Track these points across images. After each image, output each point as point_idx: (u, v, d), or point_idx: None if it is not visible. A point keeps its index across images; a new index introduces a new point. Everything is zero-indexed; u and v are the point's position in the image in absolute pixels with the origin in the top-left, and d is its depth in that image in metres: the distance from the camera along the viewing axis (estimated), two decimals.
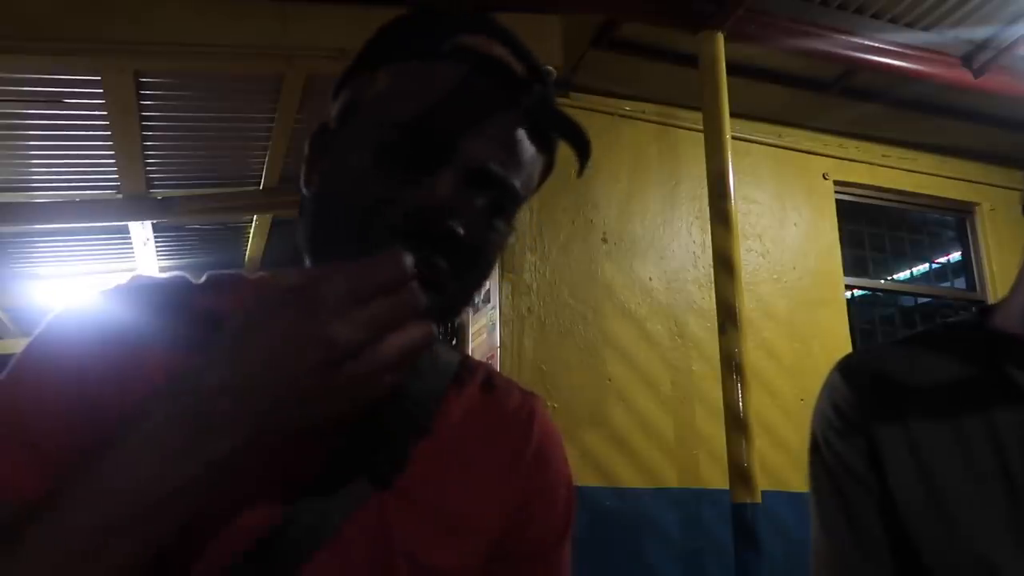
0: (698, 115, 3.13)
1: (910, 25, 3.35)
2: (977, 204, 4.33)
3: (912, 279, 4.44)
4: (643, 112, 3.71)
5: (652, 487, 3.17)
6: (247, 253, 5.10)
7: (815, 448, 0.86)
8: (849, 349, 3.61)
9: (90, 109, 3.40)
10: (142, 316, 0.61)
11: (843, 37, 3.31)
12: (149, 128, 3.58)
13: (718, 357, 2.80)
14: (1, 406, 0.56)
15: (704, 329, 3.40)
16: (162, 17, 2.87)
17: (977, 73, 3.51)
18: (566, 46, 3.15)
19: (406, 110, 0.59)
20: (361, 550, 0.59)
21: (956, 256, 4.42)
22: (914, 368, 0.82)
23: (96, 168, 3.88)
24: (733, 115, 3.04)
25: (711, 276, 2.95)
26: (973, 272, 4.30)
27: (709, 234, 2.96)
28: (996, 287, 4.15)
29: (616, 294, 3.40)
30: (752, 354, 2.93)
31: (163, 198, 4.15)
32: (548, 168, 0.68)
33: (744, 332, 2.77)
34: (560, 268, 3.35)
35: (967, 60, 3.52)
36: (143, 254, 4.79)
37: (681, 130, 3.71)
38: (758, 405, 2.91)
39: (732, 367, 2.73)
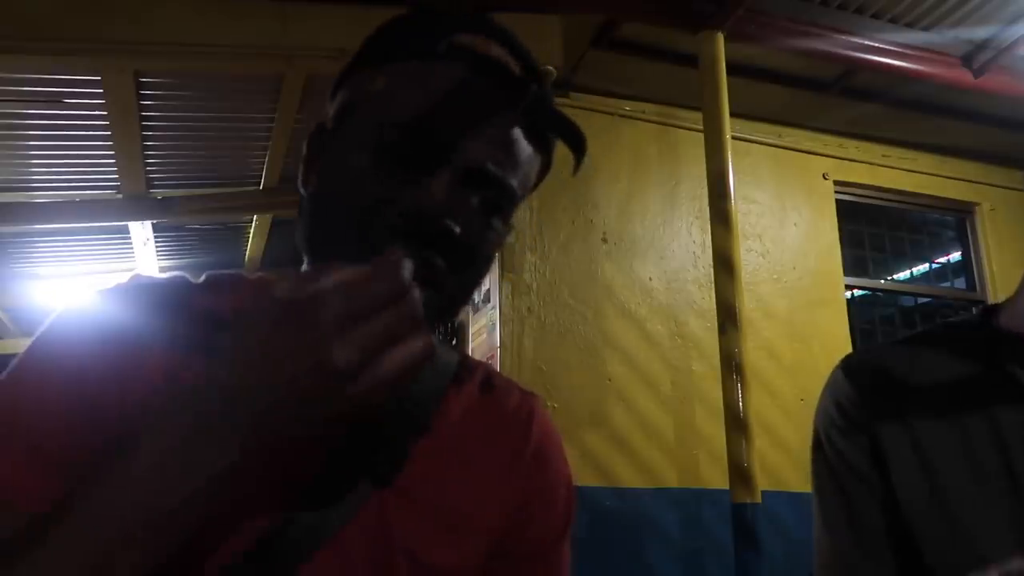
0: (698, 115, 3.13)
1: (910, 25, 3.35)
2: (977, 204, 4.33)
3: (912, 279, 4.44)
4: (643, 112, 3.71)
5: (652, 487, 3.17)
6: (247, 253, 5.10)
7: (817, 446, 0.86)
8: (849, 349, 3.61)
9: (90, 109, 3.40)
10: (142, 316, 0.61)
11: (843, 37, 3.31)
12: (149, 128, 3.58)
13: (718, 357, 2.80)
14: (2, 407, 0.56)
15: (704, 329, 3.40)
16: (162, 17, 2.87)
17: (977, 73, 3.51)
18: (566, 46, 3.15)
19: (404, 110, 0.59)
20: (361, 549, 0.59)
21: (956, 256, 4.42)
22: (917, 367, 0.82)
23: (96, 168, 3.88)
24: (733, 115, 3.04)
25: (711, 276, 2.95)
26: (973, 272, 4.30)
27: (709, 234, 2.96)
28: (996, 287, 4.15)
29: (616, 294, 3.40)
30: (752, 354, 2.93)
31: (163, 198, 4.15)
32: (546, 167, 0.68)
33: (744, 332, 2.77)
34: (560, 268, 3.35)
35: (967, 60, 3.52)
36: (143, 254, 4.79)
37: (681, 130, 3.71)
38: (758, 405, 2.91)
39: (732, 367, 2.73)
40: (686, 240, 3.61)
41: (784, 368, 3.55)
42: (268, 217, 4.62)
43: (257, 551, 0.55)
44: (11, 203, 4.03)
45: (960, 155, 4.30)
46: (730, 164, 2.94)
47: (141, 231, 4.48)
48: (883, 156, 4.17)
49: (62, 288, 5.11)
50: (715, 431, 3.01)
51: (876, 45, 3.36)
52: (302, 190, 0.66)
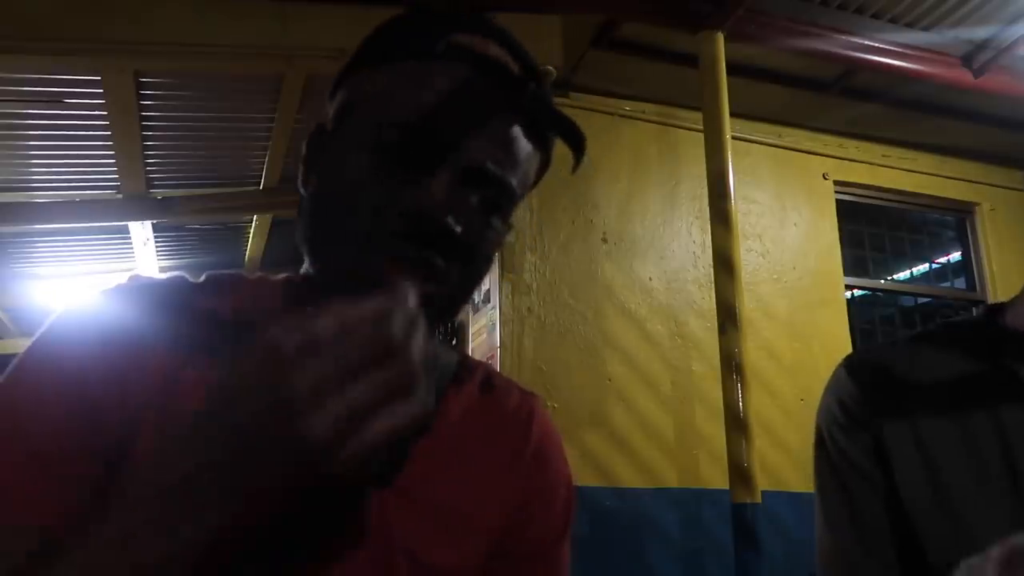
0: (698, 115, 3.13)
1: (910, 25, 3.35)
2: (977, 204, 4.33)
3: (912, 279, 4.44)
4: (643, 112, 3.71)
5: (652, 487, 3.17)
6: (247, 253, 5.10)
7: (820, 444, 0.86)
8: (849, 349, 3.61)
9: (90, 109, 3.40)
10: (142, 317, 0.61)
11: (843, 37, 3.31)
12: (149, 128, 3.58)
13: (718, 357, 2.80)
14: (1, 410, 0.56)
15: (704, 329, 3.40)
16: (162, 17, 2.87)
17: (977, 73, 3.51)
18: (566, 46, 3.15)
19: (403, 110, 0.59)
20: (361, 548, 0.59)
21: (956, 256, 4.42)
22: (920, 365, 0.82)
23: (96, 168, 3.88)
24: (733, 115, 3.04)
25: (711, 276, 2.95)
26: (973, 272, 4.30)
27: (709, 234, 2.96)
28: (996, 287, 4.15)
29: (616, 294, 3.40)
30: (752, 354, 2.93)
31: (163, 198, 4.15)
32: (544, 166, 0.68)
33: (744, 332, 2.77)
34: (560, 268, 3.35)
35: (967, 60, 3.52)
36: (143, 254, 4.79)
37: (681, 130, 3.71)
38: (758, 405, 2.91)
39: (732, 367, 2.73)
40: (686, 240, 3.61)
41: (784, 368, 3.55)
42: (268, 217, 4.62)
43: (257, 550, 0.55)
44: (11, 203, 4.03)
45: (960, 155, 4.30)
46: (730, 164, 2.94)
47: (141, 231, 4.48)
48: (883, 156, 4.17)
49: (62, 288, 5.11)
50: (715, 431, 3.01)
51: (876, 45, 3.36)
52: (302, 190, 0.66)
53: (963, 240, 4.38)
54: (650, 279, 3.48)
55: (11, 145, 3.64)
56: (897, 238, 4.29)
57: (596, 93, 3.59)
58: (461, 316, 3.47)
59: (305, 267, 0.66)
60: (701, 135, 3.07)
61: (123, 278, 0.66)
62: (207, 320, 0.62)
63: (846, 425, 0.83)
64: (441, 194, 0.58)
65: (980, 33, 3.39)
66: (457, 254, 0.59)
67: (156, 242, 4.69)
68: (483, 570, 0.66)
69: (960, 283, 4.36)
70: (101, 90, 3.26)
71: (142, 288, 0.64)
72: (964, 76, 3.53)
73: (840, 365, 0.87)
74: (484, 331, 3.33)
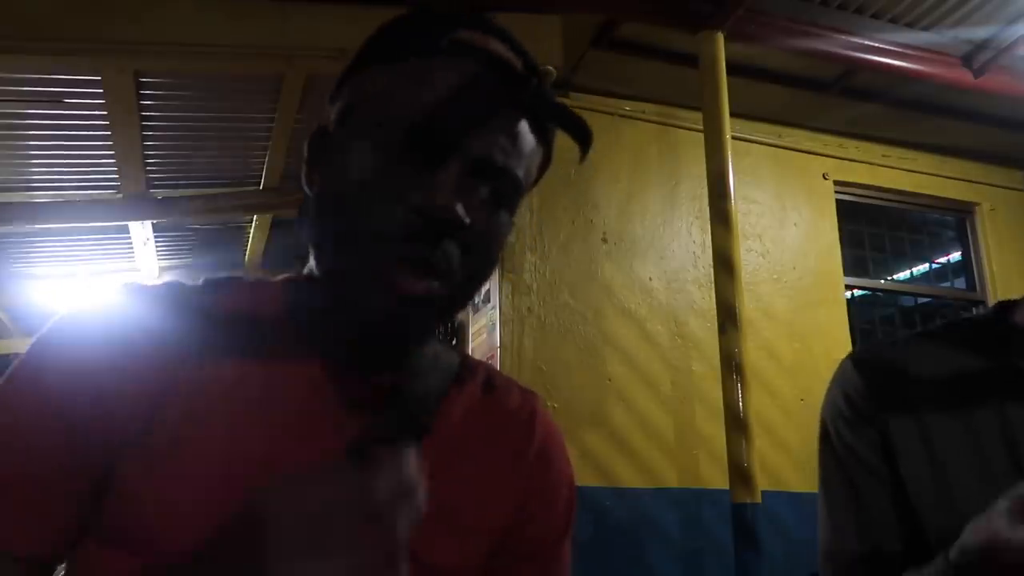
0: (698, 115, 3.13)
1: (910, 25, 3.35)
2: (977, 204, 4.33)
3: (912, 279, 4.44)
4: (643, 112, 3.71)
5: (652, 487, 3.17)
6: (247, 253, 5.10)
7: (825, 438, 0.86)
8: (849, 349, 3.61)
9: (90, 109, 3.40)
10: (142, 318, 0.61)
11: (843, 37, 3.31)
12: (149, 128, 3.58)
13: (718, 357, 2.80)
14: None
15: (704, 329, 3.40)
16: (162, 17, 2.87)
17: (977, 73, 3.51)
18: (566, 46, 3.15)
19: (408, 107, 0.59)
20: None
21: (956, 256, 4.42)
22: (927, 361, 0.82)
23: (96, 168, 3.88)
24: (733, 115, 3.04)
25: (711, 276, 2.95)
26: (973, 272, 4.30)
27: (709, 234, 2.96)
28: (996, 287, 4.15)
29: (616, 294, 3.40)
30: (752, 354, 2.93)
31: (163, 198, 4.15)
32: (546, 161, 0.69)
33: (744, 332, 2.77)
34: (560, 268, 3.35)
35: (967, 60, 3.52)
36: (143, 254, 4.78)
37: (681, 130, 3.71)
38: (758, 405, 2.91)
39: (732, 367, 2.73)
40: (686, 240, 3.61)
41: (784, 368, 3.54)
42: (268, 217, 4.62)
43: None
44: (11, 203, 4.03)
45: (960, 155, 4.30)
46: (730, 164, 2.94)
47: (141, 231, 4.47)
48: (883, 156, 4.17)
49: (62, 288, 5.11)
50: (715, 431, 3.01)
51: (876, 45, 3.35)
52: (307, 191, 0.66)
53: (963, 240, 4.38)
54: (650, 279, 3.48)
55: (11, 145, 3.64)
56: (897, 238, 4.29)
57: (596, 93, 3.59)
58: (461, 316, 3.47)
59: (308, 267, 0.66)
60: (701, 135, 3.07)
61: (121, 280, 0.66)
62: (205, 322, 0.62)
63: (852, 419, 0.83)
64: (451, 186, 0.58)
65: (980, 33, 3.39)
66: (468, 246, 0.59)
67: (156, 242, 4.69)
68: (484, 569, 0.66)
69: (960, 283, 4.36)
70: (101, 90, 3.26)
71: (139, 292, 0.64)
72: (964, 76, 3.53)
73: (846, 359, 0.87)
74: (484, 331, 3.33)
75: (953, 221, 4.44)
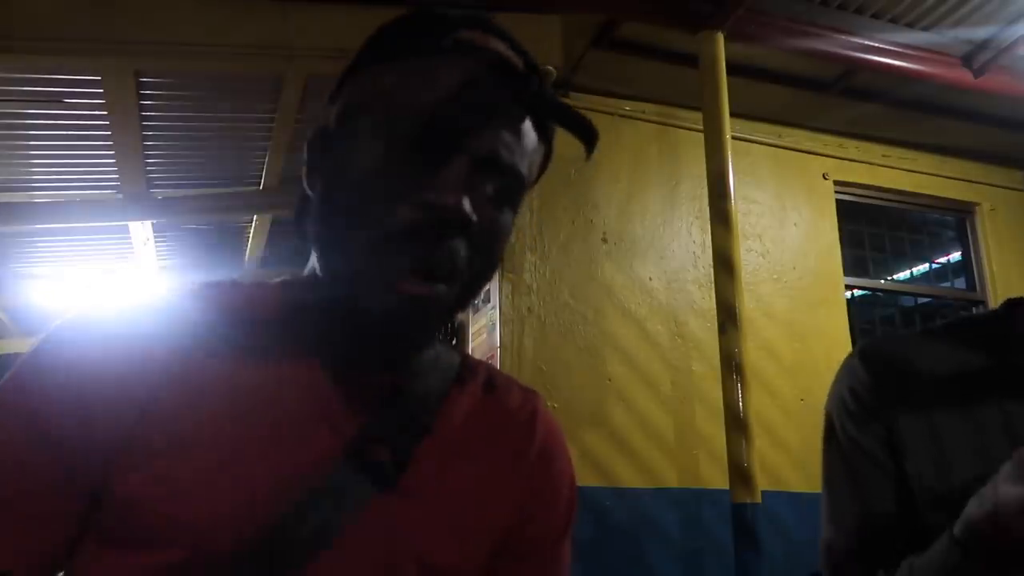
0: (698, 115, 3.13)
1: (910, 25, 3.35)
2: (977, 204, 4.33)
3: (912, 279, 4.44)
4: (643, 112, 3.71)
5: (652, 487, 3.17)
6: (247, 253, 5.10)
7: (829, 432, 0.86)
8: (849, 349, 3.60)
9: (90, 109, 3.40)
10: (141, 320, 0.61)
11: (843, 37, 3.31)
12: (149, 128, 3.58)
13: (718, 357, 2.80)
14: None
15: (704, 329, 3.40)
16: (162, 17, 2.87)
17: (977, 73, 3.51)
18: (566, 46, 3.15)
19: (412, 106, 0.59)
20: (366, 550, 0.59)
21: (956, 256, 4.42)
22: (934, 357, 0.82)
23: (96, 168, 3.88)
24: (733, 115, 3.04)
25: (711, 276, 2.95)
26: (973, 272, 4.30)
27: (709, 234, 2.96)
28: (996, 287, 4.15)
29: (616, 294, 3.40)
30: (752, 354, 2.93)
31: (163, 198, 4.15)
32: (547, 160, 0.69)
33: (744, 332, 2.77)
34: (560, 268, 3.35)
35: (967, 60, 3.52)
36: (143, 254, 4.78)
37: (681, 130, 3.71)
38: (758, 405, 2.91)
39: (732, 367, 2.73)
40: (686, 240, 3.61)
41: (784, 368, 3.54)
42: (268, 217, 4.62)
43: (263, 550, 0.55)
44: (11, 203, 4.03)
45: (960, 155, 4.30)
46: (730, 164, 2.94)
47: (141, 231, 4.47)
48: (883, 156, 4.17)
49: (62, 288, 5.11)
50: (715, 431, 3.01)
51: (876, 45, 3.35)
52: (308, 192, 0.66)
53: (963, 240, 4.38)
54: (650, 279, 3.48)
55: (11, 145, 3.64)
56: (897, 238, 4.29)
57: (596, 93, 3.59)
58: (461, 316, 3.47)
59: (309, 268, 0.66)
60: (701, 135, 3.07)
61: (121, 279, 0.66)
62: (204, 324, 0.62)
63: (858, 414, 0.83)
64: (456, 182, 0.58)
65: (980, 33, 3.39)
66: (474, 243, 0.59)
67: (156, 242, 4.69)
68: (484, 569, 0.66)
69: (960, 283, 4.36)
70: (101, 90, 3.26)
71: (133, 300, 0.63)
72: (964, 76, 3.53)
73: (852, 354, 0.87)
74: (484, 331, 3.33)
75: (953, 221, 4.44)
